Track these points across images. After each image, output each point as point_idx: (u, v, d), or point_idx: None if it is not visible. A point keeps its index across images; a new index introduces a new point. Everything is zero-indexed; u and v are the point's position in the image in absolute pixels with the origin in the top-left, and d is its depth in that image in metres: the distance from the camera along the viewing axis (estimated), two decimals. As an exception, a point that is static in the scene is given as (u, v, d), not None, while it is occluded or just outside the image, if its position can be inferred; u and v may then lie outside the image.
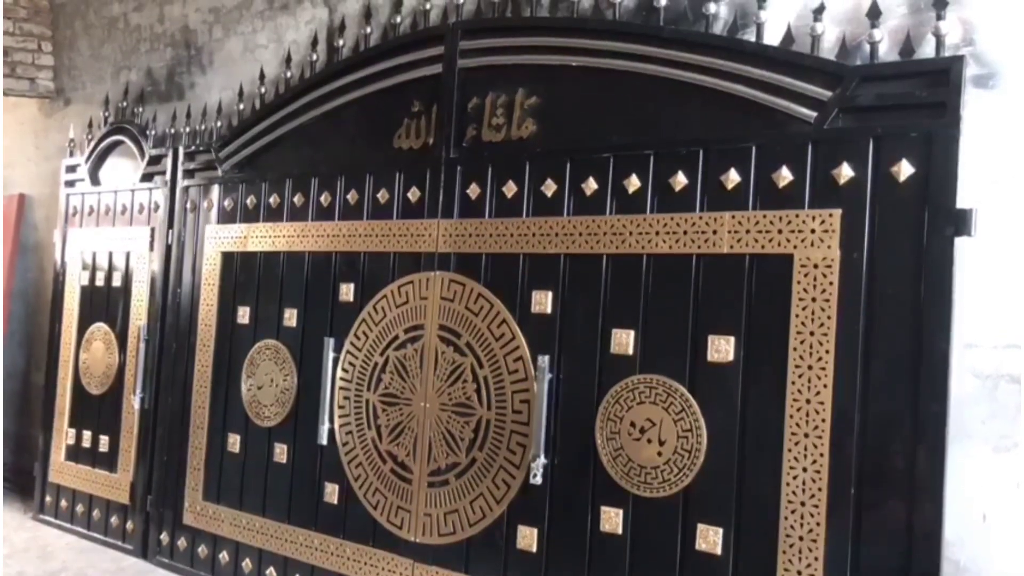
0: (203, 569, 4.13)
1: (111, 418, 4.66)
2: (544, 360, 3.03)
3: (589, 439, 2.94)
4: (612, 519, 2.88)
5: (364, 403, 3.56)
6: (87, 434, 4.80)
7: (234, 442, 4.05)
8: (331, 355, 3.66)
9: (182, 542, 4.24)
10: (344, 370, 3.63)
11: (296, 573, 3.75)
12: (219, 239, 4.22)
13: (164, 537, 4.33)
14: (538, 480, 3.01)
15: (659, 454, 2.78)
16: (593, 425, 2.93)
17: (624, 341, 2.89)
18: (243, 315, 4.08)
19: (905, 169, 2.45)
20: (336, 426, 3.63)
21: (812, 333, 2.53)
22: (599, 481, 2.91)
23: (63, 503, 4.90)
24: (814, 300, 2.54)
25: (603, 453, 2.90)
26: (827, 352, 2.51)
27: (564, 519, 3.00)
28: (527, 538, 3.07)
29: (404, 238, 3.50)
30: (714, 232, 2.73)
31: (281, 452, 3.85)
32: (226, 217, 4.24)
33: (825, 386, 2.50)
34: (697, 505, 2.71)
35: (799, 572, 2.51)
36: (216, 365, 4.17)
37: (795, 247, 2.58)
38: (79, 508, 4.80)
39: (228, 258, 4.18)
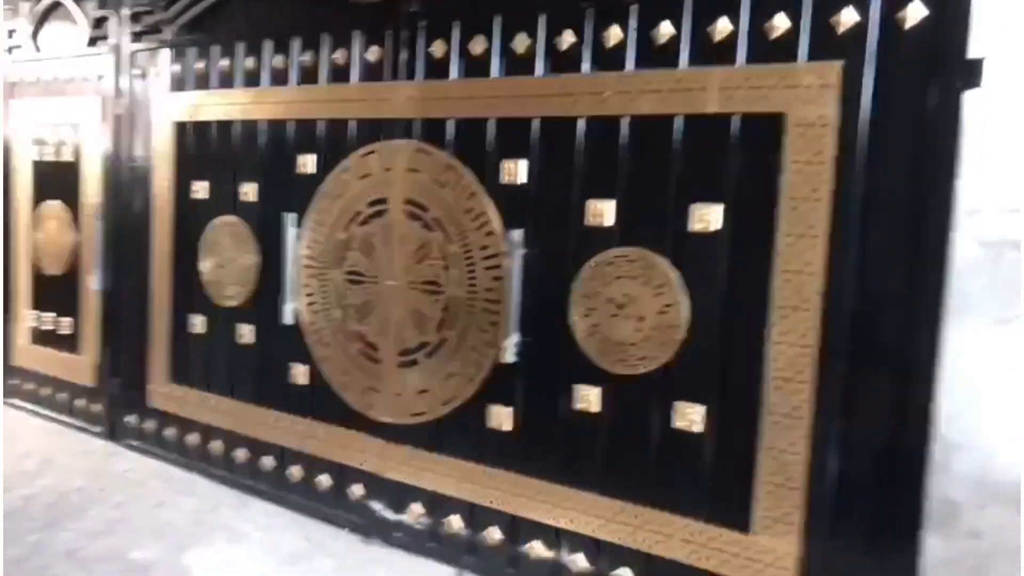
0: (172, 451, 4.04)
1: (71, 300, 4.47)
2: (516, 234, 2.83)
3: (564, 316, 2.78)
4: (587, 398, 2.75)
5: (330, 282, 3.37)
6: (48, 316, 4.62)
7: (198, 323, 3.88)
8: (292, 231, 3.44)
9: (149, 424, 4.13)
10: (308, 247, 3.42)
11: (267, 454, 3.66)
12: (170, 109, 3.91)
13: (131, 420, 4.23)
14: (511, 359, 2.86)
15: (637, 331, 2.62)
16: (568, 301, 2.76)
17: (601, 211, 2.69)
18: (199, 190, 3.83)
19: (912, 14, 2.20)
20: (302, 306, 3.46)
21: (805, 199, 2.33)
22: (575, 359, 2.77)
23: (28, 386, 4.77)
24: (808, 163, 2.33)
25: (579, 330, 2.74)
26: (820, 220, 2.32)
27: (538, 398, 2.88)
28: (500, 417, 2.96)
29: (365, 103, 3.23)
30: (701, 89, 2.48)
31: (246, 333, 3.69)
32: (177, 84, 3.92)
33: (817, 257, 2.33)
34: (677, 382, 2.58)
35: (781, 450, 2.40)
36: (175, 244, 3.95)
37: (789, 105, 2.35)
38: (44, 391, 4.67)
39: (181, 129, 3.89)
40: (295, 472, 3.56)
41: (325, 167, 3.36)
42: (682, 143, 2.54)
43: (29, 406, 4.76)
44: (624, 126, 2.63)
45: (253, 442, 3.70)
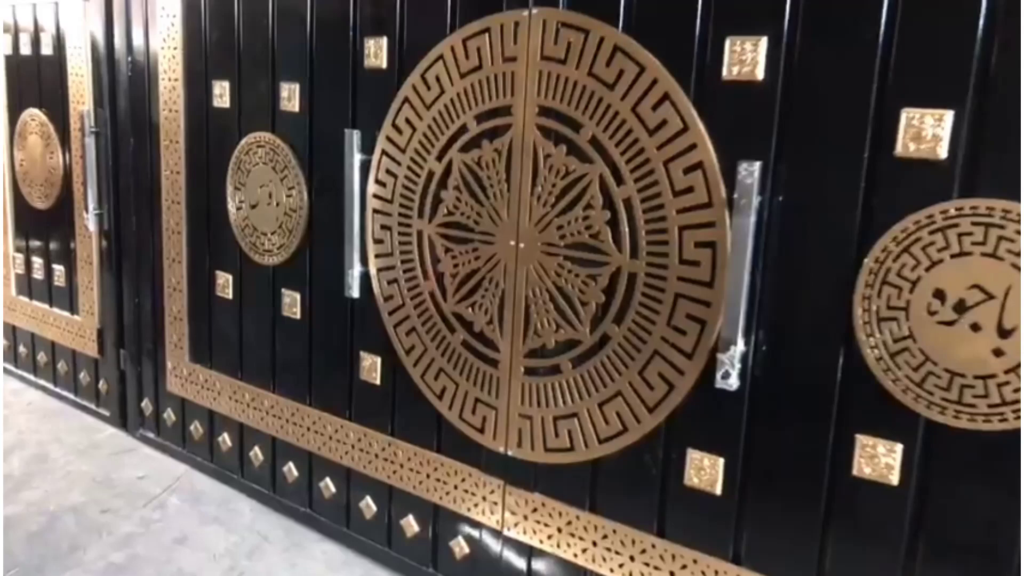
0: (199, 453, 3.00)
1: (64, 242, 3.39)
2: (750, 170, 1.62)
3: (836, 317, 1.59)
4: (874, 454, 1.59)
5: (415, 237, 2.21)
6: (37, 262, 3.56)
7: (224, 283, 2.77)
8: (357, 157, 2.27)
9: (169, 414, 3.09)
10: (379, 182, 2.25)
11: (327, 476, 2.59)
12: (175, -26, 2.71)
13: (147, 406, 3.19)
14: (731, 382, 1.70)
15: (997, 353, 1.43)
16: (849, 292, 1.57)
17: (921, 125, 1.46)
18: (221, 94, 2.65)
19: None
20: (373, 270, 2.32)
21: None
22: (856, 387, 1.60)
23: (22, 349, 3.75)
24: None
25: (867, 341, 1.56)
26: None
27: (771, 445, 1.73)
28: (704, 470, 1.82)
29: (473, -51, 1.99)
30: None
31: (292, 303, 2.57)
32: (183, -61, 2.71)
33: None
34: None
35: None
36: (190, 170, 2.80)
37: None
38: (41, 357, 3.65)
39: (192, 6, 2.69)
40: (368, 506, 2.49)
41: (406, 58, 2.16)
42: None
43: (27, 375, 3.75)
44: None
45: (305, 455, 2.63)
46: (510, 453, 2.12)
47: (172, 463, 3.07)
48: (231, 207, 2.67)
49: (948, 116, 1.44)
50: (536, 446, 2.07)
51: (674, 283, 1.78)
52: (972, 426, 1.48)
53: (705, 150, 1.69)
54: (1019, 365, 1.41)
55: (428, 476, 2.31)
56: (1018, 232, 1.39)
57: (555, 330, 1.98)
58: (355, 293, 2.35)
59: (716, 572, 1.82)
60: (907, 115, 1.48)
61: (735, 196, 1.64)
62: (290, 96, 2.45)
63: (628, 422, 1.90)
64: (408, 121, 2.17)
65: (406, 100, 2.16)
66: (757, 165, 1.61)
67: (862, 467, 1.61)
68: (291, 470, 2.68)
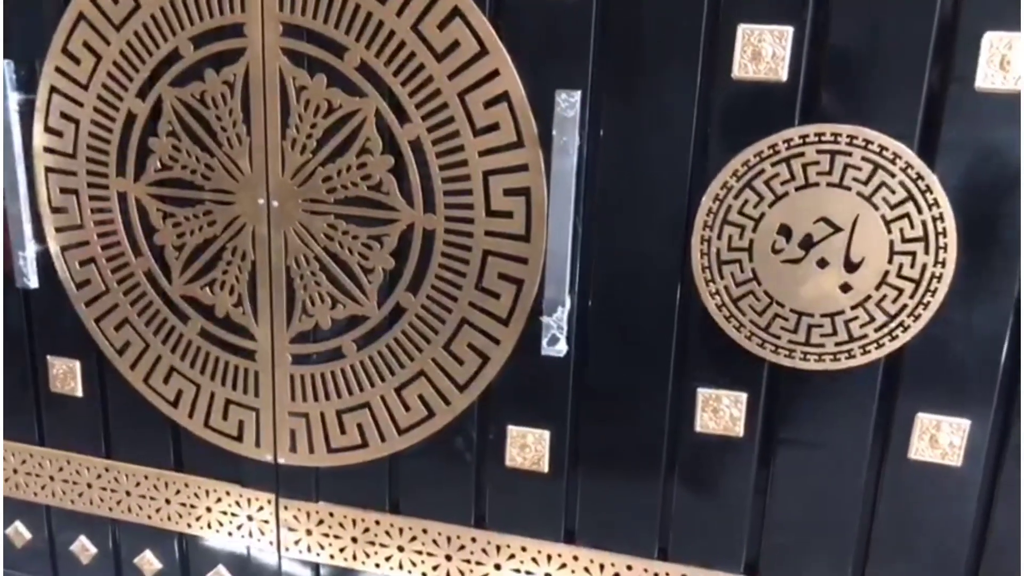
0: None
1: None
2: (571, 101, 1.36)
3: (672, 263, 1.43)
4: (717, 407, 1.48)
5: (115, 201, 1.67)
6: None
7: None
8: (14, 98, 1.65)
9: None
10: (52, 130, 1.66)
11: (15, 518, 1.98)
12: None
13: None
14: (559, 347, 1.47)
15: (845, 289, 1.36)
16: (688, 236, 1.41)
17: (760, 44, 1.31)
18: None
19: None
20: (55, 249, 1.73)
21: None
22: (697, 337, 1.46)
23: None
24: None
25: (706, 288, 1.41)
26: None
27: (602, 412, 1.55)
28: (528, 447, 1.59)
29: None
30: None
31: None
32: None
33: None
34: None
35: None
36: None
37: None
38: None
39: None
40: (84, 548, 1.94)
41: (74, -43, 1.58)
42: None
43: None
44: None
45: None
46: (281, 460, 1.73)
47: None
48: None
49: (788, 32, 1.29)
50: (316, 448, 1.70)
51: (481, 239, 1.49)
52: (820, 366, 1.40)
53: (511, 78, 1.40)
54: (867, 299, 1.35)
55: (168, 502, 1.83)
56: (864, 159, 1.30)
57: (331, 306, 1.61)
58: (32, 282, 1.75)
59: (549, 557, 1.63)
60: (744, 31, 1.31)
61: (554, 133, 1.38)
62: None
63: (434, 405, 1.60)
64: (88, 46, 1.60)
65: (81, 17, 1.58)
66: (577, 95, 1.36)
67: (706, 422, 1.49)
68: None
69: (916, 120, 1.28)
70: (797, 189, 1.34)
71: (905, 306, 1.34)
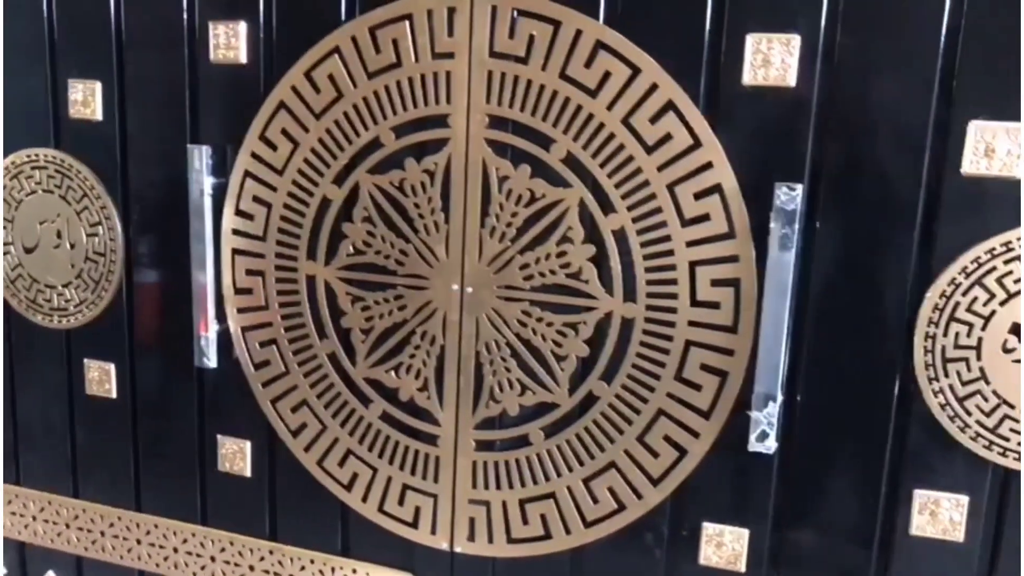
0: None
1: None
2: (792, 194, 1.35)
3: (893, 362, 1.39)
4: (936, 511, 1.41)
5: (303, 284, 1.69)
6: None
7: (-12, 355, 2.01)
8: (208, 181, 1.69)
9: None
10: (243, 214, 1.70)
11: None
12: None
13: None
14: (768, 443, 1.43)
15: (1082, 393, 1.30)
16: (910, 333, 1.37)
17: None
18: (-37, 94, 1.88)
19: None
20: (235, 330, 1.75)
21: None
22: (916, 437, 1.41)
23: None
24: None
25: (929, 390, 1.37)
26: None
27: (812, 517, 1.49)
28: (725, 546, 1.54)
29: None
30: None
31: (102, 378, 1.90)
32: None
33: None
34: None
35: None
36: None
37: None
38: None
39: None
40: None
41: (276, 50, 1.63)
42: None
43: None
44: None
45: None
46: (457, 549, 1.69)
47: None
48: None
49: (1022, 130, 1.27)
50: (495, 537, 1.66)
51: (684, 329, 1.47)
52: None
53: (724, 169, 1.40)
54: (1109, 402, 1.29)
55: (341, 589, 1.81)
56: (1108, 257, 1.26)
57: (519, 393, 1.59)
58: (211, 362, 1.76)
59: (743, 661, 1.56)
60: (976, 128, 1.29)
61: (772, 225, 1.37)
62: (86, 98, 1.78)
63: (625, 498, 1.56)
64: (286, 133, 1.64)
65: (282, 105, 1.63)
66: (799, 188, 1.35)
67: (923, 525, 1.42)
68: (124, 600, 2.01)
69: None
70: (1031, 287, 1.30)
71: None
